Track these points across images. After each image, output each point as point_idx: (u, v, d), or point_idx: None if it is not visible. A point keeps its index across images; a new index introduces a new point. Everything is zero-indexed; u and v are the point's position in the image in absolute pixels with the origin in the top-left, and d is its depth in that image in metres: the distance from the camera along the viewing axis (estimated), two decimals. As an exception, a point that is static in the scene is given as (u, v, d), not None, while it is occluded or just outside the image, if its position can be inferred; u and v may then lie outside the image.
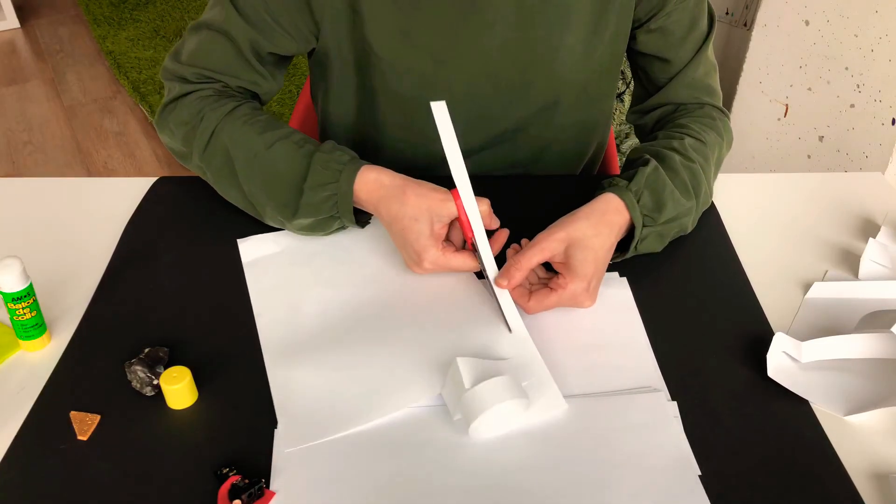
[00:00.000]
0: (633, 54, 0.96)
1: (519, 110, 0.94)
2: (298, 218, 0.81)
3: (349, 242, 0.86)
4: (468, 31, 0.86)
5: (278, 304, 0.78)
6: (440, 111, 0.75)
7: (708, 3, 0.92)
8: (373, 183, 0.79)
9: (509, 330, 0.74)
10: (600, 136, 1.06)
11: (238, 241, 0.85)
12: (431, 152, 0.96)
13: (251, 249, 0.84)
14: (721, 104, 0.96)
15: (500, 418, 0.65)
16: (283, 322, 0.76)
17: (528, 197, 0.95)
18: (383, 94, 0.92)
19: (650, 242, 0.81)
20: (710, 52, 0.94)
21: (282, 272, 0.82)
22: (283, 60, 0.92)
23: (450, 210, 0.76)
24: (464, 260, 0.78)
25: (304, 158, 0.81)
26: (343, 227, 0.85)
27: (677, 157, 0.84)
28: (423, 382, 0.69)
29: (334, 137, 1.01)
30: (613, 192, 0.79)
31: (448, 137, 0.75)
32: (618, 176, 0.83)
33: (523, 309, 0.76)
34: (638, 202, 0.79)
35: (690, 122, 0.91)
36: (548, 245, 0.74)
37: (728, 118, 0.95)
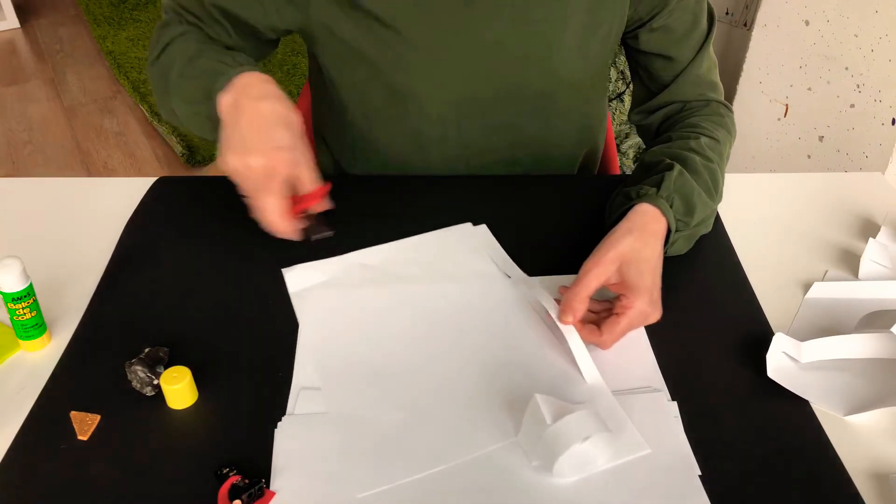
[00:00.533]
0: (635, 53, 0.96)
1: (514, 107, 0.94)
2: (176, 98, 0.84)
3: (394, 267, 0.83)
4: (463, 26, 0.86)
5: (332, 338, 0.75)
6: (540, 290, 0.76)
7: (707, 1, 0.92)
8: (259, 77, 0.77)
9: (584, 379, 0.70)
10: (596, 135, 1.05)
11: (283, 270, 0.83)
12: (424, 147, 0.96)
13: (297, 279, 0.81)
14: (724, 98, 0.96)
15: (584, 456, 0.61)
16: (338, 357, 0.73)
17: (526, 197, 0.95)
18: (378, 87, 0.92)
19: (679, 245, 0.81)
20: (711, 48, 0.94)
21: (331, 303, 0.79)
22: (251, 31, 0.91)
23: (306, 157, 0.74)
24: (286, 224, 0.74)
25: (224, 53, 0.84)
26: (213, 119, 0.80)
27: (697, 159, 0.83)
28: (494, 427, 0.65)
29: (328, 130, 1.02)
30: (646, 201, 0.77)
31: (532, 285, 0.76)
32: (644, 184, 0.81)
33: (598, 345, 0.72)
34: (671, 207, 0.78)
35: (701, 120, 0.90)
36: (601, 269, 0.72)
37: (732, 112, 0.95)
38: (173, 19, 0.92)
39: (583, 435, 0.59)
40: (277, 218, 0.73)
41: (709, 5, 0.92)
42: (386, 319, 0.77)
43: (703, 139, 0.87)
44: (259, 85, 0.76)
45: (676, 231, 0.79)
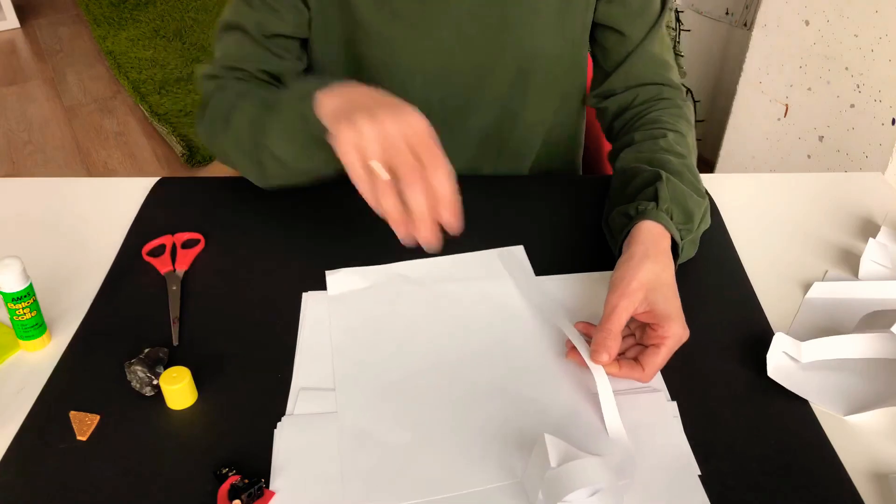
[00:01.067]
0: (592, 28, 0.95)
1: (493, 79, 0.94)
2: (271, 135, 0.75)
3: (434, 283, 0.81)
4: None
5: (357, 345, 0.74)
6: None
7: None
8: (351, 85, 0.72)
9: (606, 430, 0.66)
10: (576, 117, 1.05)
11: (326, 273, 0.82)
12: None
13: (339, 283, 0.81)
14: (678, 79, 0.95)
15: None
16: (361, 364, 0.72)
17: (528, 197, 0.95)
18: (364, 65, 0.92)
19: (687, 251, 0.81)
20: (665, 31, 0.94)
21: (364, 310, 0.78)
22: (297, 42, 0.92)
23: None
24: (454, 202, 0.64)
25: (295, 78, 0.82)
26: (329, 165, 0.71)
27: (673, 159, 0.83)
28: (501, 464, 0.63)
29: None
30: (649, 218, 0.77)
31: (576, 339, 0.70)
32: (639, 200, 0.80)
33: (640, 380, 0.69)
34: (672, 219, 0.77)
35: (660, 115, 0.90)
36: (628, 301, 0.69)
37: (683, 93, 0.95)
38: (226, 78, 0.89)
39: (586, 484, 0.56)
40: (450, 188, 0.62)
41: None
42: (415, 336, 0.75)
43: (670, 135, 0.86)
44: (364, 86, 0.71)
45: (682, 240, 0.78)
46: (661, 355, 0.68)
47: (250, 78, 0.90)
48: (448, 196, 0.63)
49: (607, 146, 1.21)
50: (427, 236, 0.64)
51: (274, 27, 0.89)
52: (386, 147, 0.63)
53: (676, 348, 0.69)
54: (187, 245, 0.87)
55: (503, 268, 0.84)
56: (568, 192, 0.96)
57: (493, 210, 0.92)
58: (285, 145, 0.77)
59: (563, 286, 0.81)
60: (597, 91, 0.98)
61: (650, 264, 0.71)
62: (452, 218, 0.64)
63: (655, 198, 0.78)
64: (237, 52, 0.90)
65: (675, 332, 0.68)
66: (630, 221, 0.77)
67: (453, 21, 0.88)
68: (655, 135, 0.87)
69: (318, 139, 0.70)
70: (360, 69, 0.93)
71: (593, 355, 0.68)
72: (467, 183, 0.97)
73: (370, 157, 0.63)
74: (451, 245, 0.86)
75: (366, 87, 0.71)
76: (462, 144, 0.99)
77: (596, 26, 0.94)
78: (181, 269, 0.83)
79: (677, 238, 0.77)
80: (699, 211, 0.81)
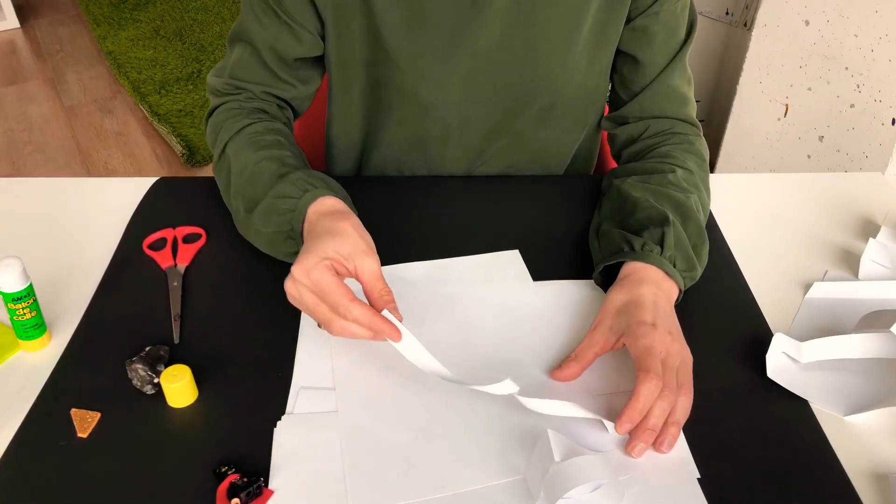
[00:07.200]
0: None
1: (518, 111, 0.93)
2: (254, 222, 0.78)
3: (432, 286, 0.81)
4: (467, 28, 0.85)
5: (357, 346, 0.73)
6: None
7: (691, 13, 0.90)
8: (331, 205, 0.75)
9: (606, 429, 0.66)
10: (594, 136, 1.04)
11: None
12: (425, 142, 0.96)
13: None
14: (695, 116, 0.94)
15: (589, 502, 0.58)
16: (360, 364, 0.72)
17: (530, 197, 0.95)
18: (385, 87, 0.91)
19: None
20: (686, 63, 0.92)
21: None
22: (309, 61, 0.91)
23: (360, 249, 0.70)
24: (375, 320, 0.67)
25: (283, 171, 0.79)
26: (295, 252, 0.75)
27: (679, 195, 0.81)
28: (503, 461, 0.63)
29: (332, 133, 1.01)
30: (652, 263, 0.75)
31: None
32: (646, 238, 0.77)
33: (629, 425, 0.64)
34: (675, 266, 0.76)
35: (671, 150, 0.88)
36: (598, 333, 0.71)
37: (700, 131, 0.93)
38: (229, 101, 0.90)
39: (588, 480, 0.56)
40: (364, 317, 0.67)
41: (691, 19, 0.90)
42: (414, 336, 0.74)
43: (679, 171, 0.85)
44: (323, 208, 0.75)
45: (684, 287, 0.77)
46: (640, 383, 0.64)
47: (248, 103, 0.89)
48: (367, 326, 0.67)
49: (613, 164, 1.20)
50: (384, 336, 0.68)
51: (287, 50, 0.87)
52: (306, 308, 0.69)
53: (674, 365, 0.67)
54: (188, 240, 0.87)
55: (500, 271, 0.83)
56: (567, 194, 0.96)
57: (490, 212, 0.92)
58: (265, 245, 0.81)
59: (559, 292, 0.80)
60: (610, 115, 0.96)
61: (618, 293, 0.73)
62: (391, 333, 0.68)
63: (661, 242, 0.77)
64: (245, 72, 0.89)
65: (645, 336, 0.67)
66: (631, 253, 0.76)
67: (481, 54, 0.87)
68: (664, 169, 0.85)
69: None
70: (380, 92, 0.92)
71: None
72: (464, 183, 0.98)
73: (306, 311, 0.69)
74: (449, 248, 0.86)
75: (331, 211, 0.75)
76: (481, 171, 0.99)
77: (616, 52, 0.92)
78: (182, 263, 0.83)
79: (680, 284, 0.76)
80: (701, 259, 0.79)
